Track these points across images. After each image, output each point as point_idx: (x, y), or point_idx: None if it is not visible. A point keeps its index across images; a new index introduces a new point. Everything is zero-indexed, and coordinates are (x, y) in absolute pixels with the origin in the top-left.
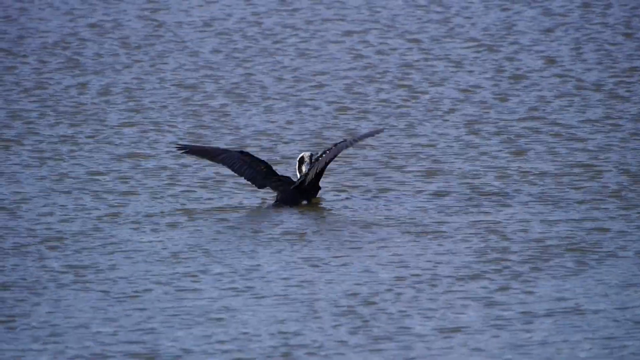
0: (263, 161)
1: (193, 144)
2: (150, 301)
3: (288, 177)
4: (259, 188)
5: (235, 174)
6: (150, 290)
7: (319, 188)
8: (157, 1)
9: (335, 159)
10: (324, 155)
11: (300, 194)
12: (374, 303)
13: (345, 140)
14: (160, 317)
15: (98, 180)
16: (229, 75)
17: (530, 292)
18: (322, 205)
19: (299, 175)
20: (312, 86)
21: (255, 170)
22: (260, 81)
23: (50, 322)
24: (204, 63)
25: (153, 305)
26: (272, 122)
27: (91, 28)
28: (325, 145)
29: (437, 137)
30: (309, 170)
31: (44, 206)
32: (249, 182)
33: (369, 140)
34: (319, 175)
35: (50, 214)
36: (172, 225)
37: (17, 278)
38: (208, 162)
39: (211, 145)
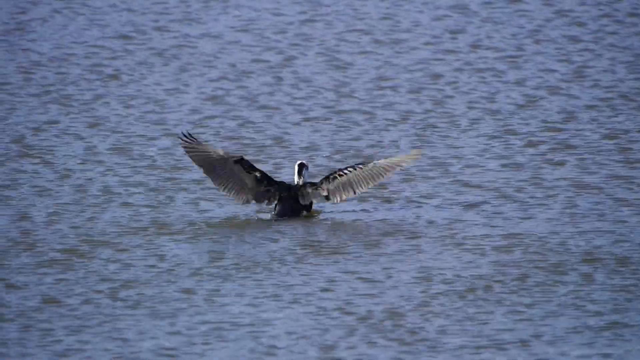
0: (256, 169)
1: (198, 142)
2: (181, 314)
3: (283, 182)
4: (242, 204)
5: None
6: (184, 303)
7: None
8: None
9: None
10: (348, 170)
11: (300, 205)
12: (404, 315)
13: (370, 163)
14: (198, 328)
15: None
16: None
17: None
18: (356, 217)
19: (296, 182)
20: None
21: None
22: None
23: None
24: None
25: (184, 318)
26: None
27: (123, 39)
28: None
29: (467, 147)
30: (324, 180)
31: (75, 217)
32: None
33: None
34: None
35: (78, 227)
36: (195, 237)
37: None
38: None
39: (211, 153)
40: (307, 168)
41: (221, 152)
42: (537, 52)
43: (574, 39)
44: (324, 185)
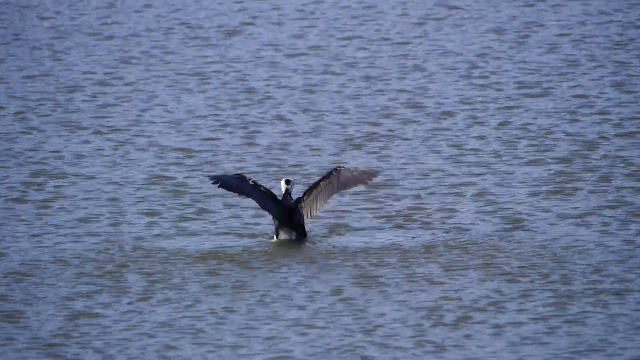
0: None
1: (224, 176)
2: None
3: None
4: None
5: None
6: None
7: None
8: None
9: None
10: (322, 182)
11: (293, 216)
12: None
13: (338, 170)
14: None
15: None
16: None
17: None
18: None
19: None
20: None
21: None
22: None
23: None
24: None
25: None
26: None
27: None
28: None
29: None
30: (305, 195)
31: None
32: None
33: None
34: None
35: (109, 243)
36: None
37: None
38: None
39: (236, 177)
40: (292, 184)
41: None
42: None
43: None
44: (305, 201)
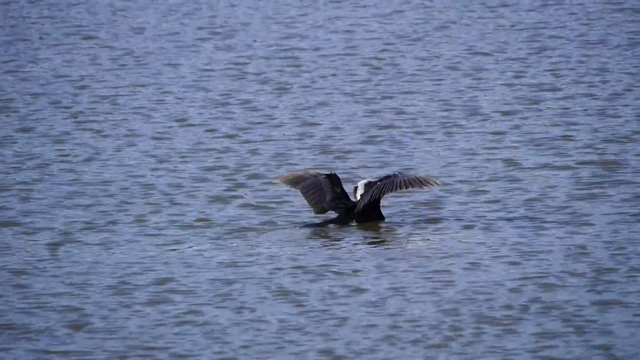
0: (340, 185)
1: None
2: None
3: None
4: (317, 213)
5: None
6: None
7: (378, 215)
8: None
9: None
10: (378, 183)
11: (351, 217)
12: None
13: (397, 175)
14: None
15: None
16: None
17: None
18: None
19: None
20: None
21: (322, 196)
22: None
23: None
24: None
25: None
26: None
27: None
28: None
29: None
30: (362, 196)
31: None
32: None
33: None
34: (372, 202)
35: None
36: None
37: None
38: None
39: (303, 174)
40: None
41: (313, 172)
42: None
43: None
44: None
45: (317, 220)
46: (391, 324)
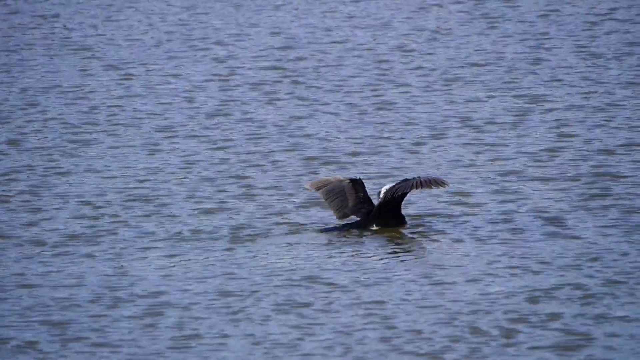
0: (363, 190)
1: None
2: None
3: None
4: (339, 218)
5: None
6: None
7: (398, 218)
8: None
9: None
10: (395, 186)
11: (371, 221)
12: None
13: (414, 178)
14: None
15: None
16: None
17: None
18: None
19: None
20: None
21: (345, 201)
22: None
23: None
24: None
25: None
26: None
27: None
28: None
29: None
30: (380, 200)
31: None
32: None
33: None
34: (390, 205)
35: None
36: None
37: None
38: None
39: (331, 180)
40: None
41: (340, 177)
42: None
43: None
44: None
45: (336, 224)
46: (389, 335)
